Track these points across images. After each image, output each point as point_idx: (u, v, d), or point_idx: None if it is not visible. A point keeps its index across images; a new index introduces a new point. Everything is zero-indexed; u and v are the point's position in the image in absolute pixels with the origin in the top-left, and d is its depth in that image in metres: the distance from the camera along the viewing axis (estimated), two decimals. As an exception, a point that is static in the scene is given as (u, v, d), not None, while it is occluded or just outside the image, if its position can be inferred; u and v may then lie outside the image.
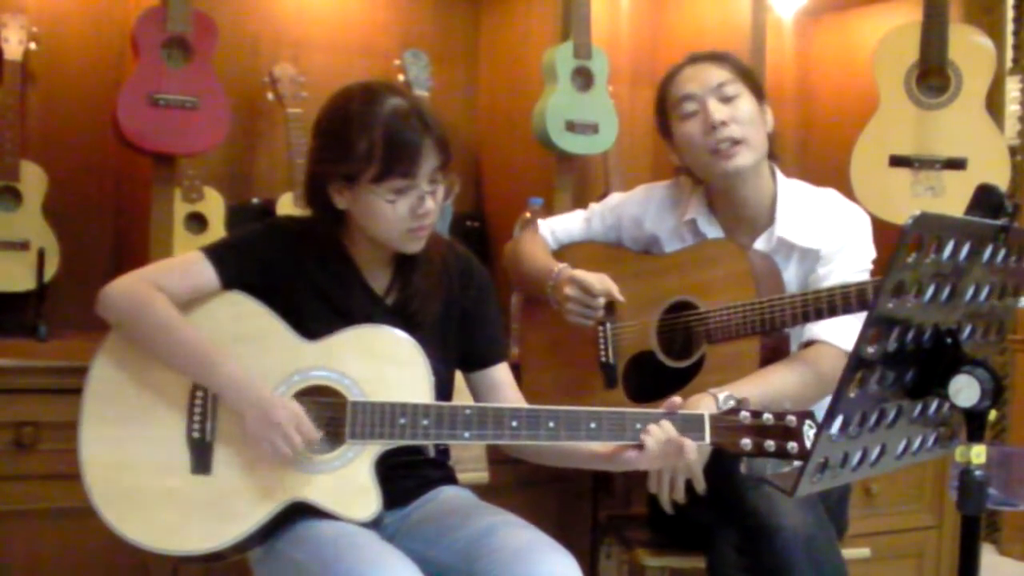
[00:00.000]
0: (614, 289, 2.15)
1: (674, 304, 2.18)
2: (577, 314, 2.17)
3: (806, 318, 2.00)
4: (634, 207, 2.32)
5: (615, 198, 2.38)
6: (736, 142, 2.09)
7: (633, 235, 2.32)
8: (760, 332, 2.05)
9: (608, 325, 2.24)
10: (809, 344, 2.08)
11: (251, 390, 1.71)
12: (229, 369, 1.72)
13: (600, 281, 2.15)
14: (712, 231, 2.20)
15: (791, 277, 2.15)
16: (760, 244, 2.16)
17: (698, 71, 2.15)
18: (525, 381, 2.39)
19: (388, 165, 1.73)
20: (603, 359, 2.24)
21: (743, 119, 2.11)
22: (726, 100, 2.11)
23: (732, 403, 1.76)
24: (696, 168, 2.18)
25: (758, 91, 2.17)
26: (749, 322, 2.05)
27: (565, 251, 2.36)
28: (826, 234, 2.12)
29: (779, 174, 2.20)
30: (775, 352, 2.09)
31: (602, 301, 2.14)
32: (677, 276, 2.19)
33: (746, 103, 2.12)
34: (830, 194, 2.22)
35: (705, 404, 1.88)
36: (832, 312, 1.96)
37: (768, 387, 1.97)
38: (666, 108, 2.19)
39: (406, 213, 1.76)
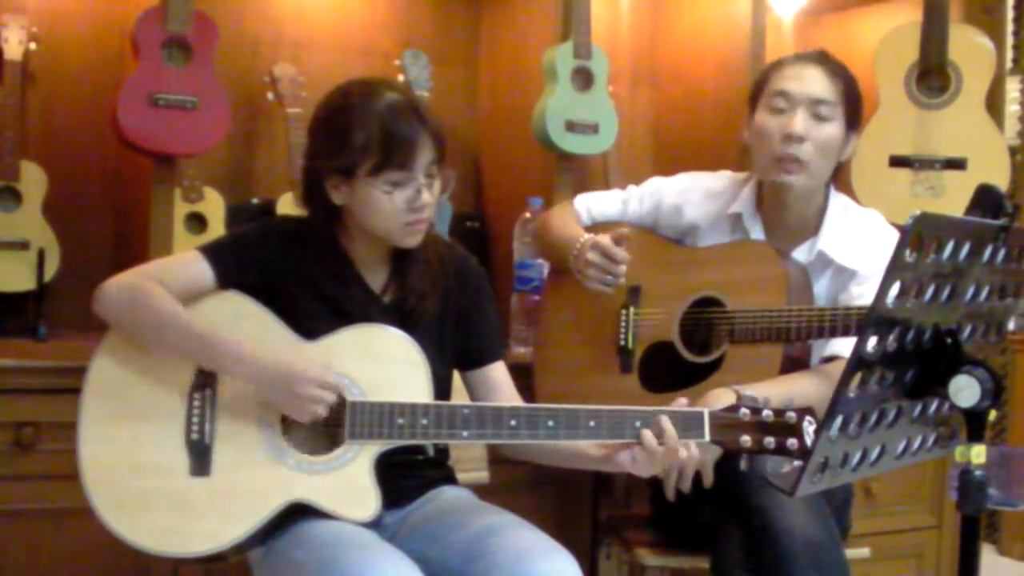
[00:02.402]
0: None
1: (701, 299, 2.17)
2: (596, 280, 2.11)
3: (833, 332, 2.00)
4: (676, 195, 2.30)
5: (655, 183, 2.35)
6: (799, 162, 2.08)
7: (670, 222, 2.30)
8: (784, 340, 2.04)
9: (631, 309, 2.23)
10: (830, 359, 2.07)
11: (268, 360, 1.71)
12: (239, 347, 1.72)
13: (623, 248, 2.10)
14: (755, 229, 2.19)
15: (821, 291, 2.14)
16: (801, 253, 2.15)
17: (808, 73, 2.11)
18: (541, 355, 2.38)
19: (385, 157, 1.74)
20: (622, 343, 2.23)
21: (819, 144, 2.08)
22: (817, 118, 2.08)
23: (749, 400, 1.76)
24: (754, 159, 2.17)
25: (854, 120, 2.13)
26: (775, 328, 2.04)
27: (597, 229, 2.31)
28: (866, 256, 2.11)
29: (832, 190, 2.19)
30: (796, 362, 2.09)
31: (623, 268, 2.09)
32: (709, 271, 2.18)
33: (832, 130, 2.10)
34: (875, 216, 2.21)
35: (726, 399, 1.89)
36: (860, 330, 1.95)
37: (791, 392, 1.95)
38: (761, 90, 2.16)
39: (403, 205, 1.77)
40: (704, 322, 2.17)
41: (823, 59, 2.14)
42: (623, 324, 2.23)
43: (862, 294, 2.08)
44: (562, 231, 2.27)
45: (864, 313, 1.96)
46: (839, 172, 2.20)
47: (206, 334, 1.73)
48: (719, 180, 2.30)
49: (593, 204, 2.37)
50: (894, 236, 2.17)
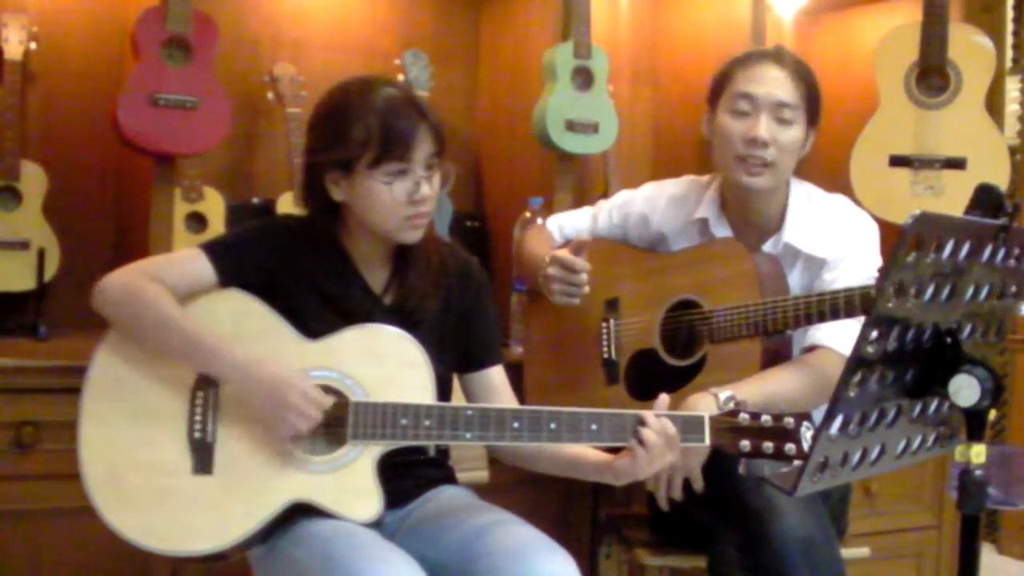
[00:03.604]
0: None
1: (678, 303, 2.18)
2: (561, 293, 2.14)
3: (809, 320, 2.00)
4: (642, 204, 2.31)
5: (623, 195, 2.36)
6: (765, 164, 2.08)
7: (639, 232, 2.31)
8: (763, 333, 2.05)
9: (611, 321, 2.24)
10: (811, 349, 2.07)
11: (258, 369, 1.70)
12: (232, 352, 1.71)
13: (583, 257, 2.12)
14: (722, 231, 2.19)
15: (795, 283, 2.14)
16: (768, 248, 2.16)
17: (772, 75, 2.09)
18: (527, 375, 2.39)
19: (384, 149, 1.74)
20: (605, 355, 2.24)
21: (784, 146, 2.08)
22: (780, 121, 2.08)
23: (733, 404, 1.76)
24: (716, 158, 2.17)
25: (814, 118, 2.14)
26: (752, 323, 2.04)
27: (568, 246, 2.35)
28: (833, 243, 2.11)
29: (793, 181, 2.19)
30: (776, 355, 2.09)
31: (583, 277, 2.11)
32: (682, 274, 2.18)
33: (795, 132, 2.10)
34: (840, 201, 2.21)
35: (706, 403, 1.88)
36: (835, 315, 1.96)
37: (771, 389, 1.97)
38: (723, 88, 2.15)
39: (403, 197, 1.77)
40: (684, 325, 2.18)
41: (783, 58, 2.13)
42: (605, 337, 2.24)
43: (835, 279, 2.08)
44: (532, 253, 2.29)
45: (838, 297, 1.95)
46: (802, 165, 2.19)
47: (200, 340, 1.72)
48: (681, 186, 2.30)
49: (565, 222, 2.39)
50: (861, 218, 2.18)
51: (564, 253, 2.13)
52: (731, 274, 2.10)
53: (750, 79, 2.11)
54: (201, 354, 1.72)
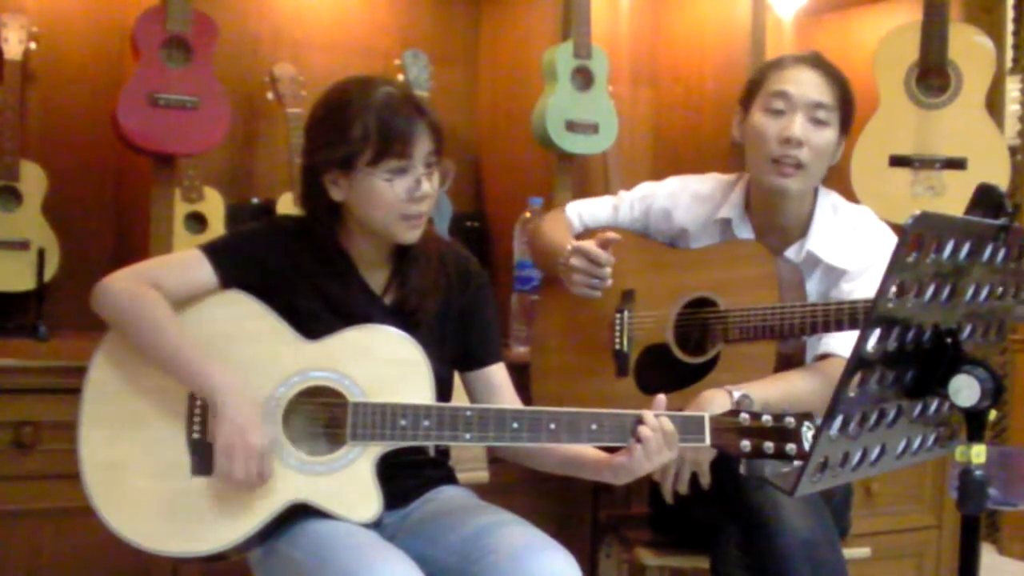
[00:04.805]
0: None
1: (694, 300, 2.18)
2: (582, 284, 2.12)
3: (826, 327, 2.00)
4: (664, 199, 2.29)
5: (645, 187, 2.35)
6: (798, 166, 2.08)
7: (660, 227, 2.30)
8: (778, 336, 2.04)
9: (625, 312, 2.22)
10: (824, 357, 2.07)
11: (238, 403, 1.69)
12: (219, 376, 1.70)
13: (608, 252, 2.11)
14: (744, 233, 2.18)
15: (811, 289, 2.14)
16: (790, 254, 2.16)
17: (808, 77, 2.10)
18: (536, 361, 2.38)
19: (384, 146, 1.74)
20: (617, 346, 2.23)
21: (817, 148, 2.09)
22: (815, 122, 2.08)
23: (747, 402, 1.77)
24: (749, 159, 2.16)
25: (847, 124, 2.14)
26: (768, 325, 2.04)
27: (589, 235, 2.33)
28: (855, 255, 2.11)
29: (820, 190, 2.19)
30: (790, 360, 2.09)
31: (607, 271, 2.10)
32: (701, 272, 2.18)
33: (829, 135, 2.10)
34: (865, 214, 2.21)
35: (719, 400, 1.89)
36: (853, 324, 1.95)
37: (785, 390, 1.97)
38: (757, 89, 2.15)
39: (403, 194, 1.77)
40: (698, 323, 2.17)
41: (819, 62, 2.13)
42: (618, 328, 2.23)
43: (853, 290, 2.08)
44: (551, 239, 2.27)
45: (856, 307, 1.95)
46: (829, 173, 2.20)
47: (189, 357, 1.71)
48: (706, 183, 2.29)
49: (584, 210, 2.38)
50: (884, 232, 2.17)
51: (590, 245, 2.11)
52: (752, 276, 2.10)
53: (785, 79, 2.11)
54: (186, 372, 1.71)
